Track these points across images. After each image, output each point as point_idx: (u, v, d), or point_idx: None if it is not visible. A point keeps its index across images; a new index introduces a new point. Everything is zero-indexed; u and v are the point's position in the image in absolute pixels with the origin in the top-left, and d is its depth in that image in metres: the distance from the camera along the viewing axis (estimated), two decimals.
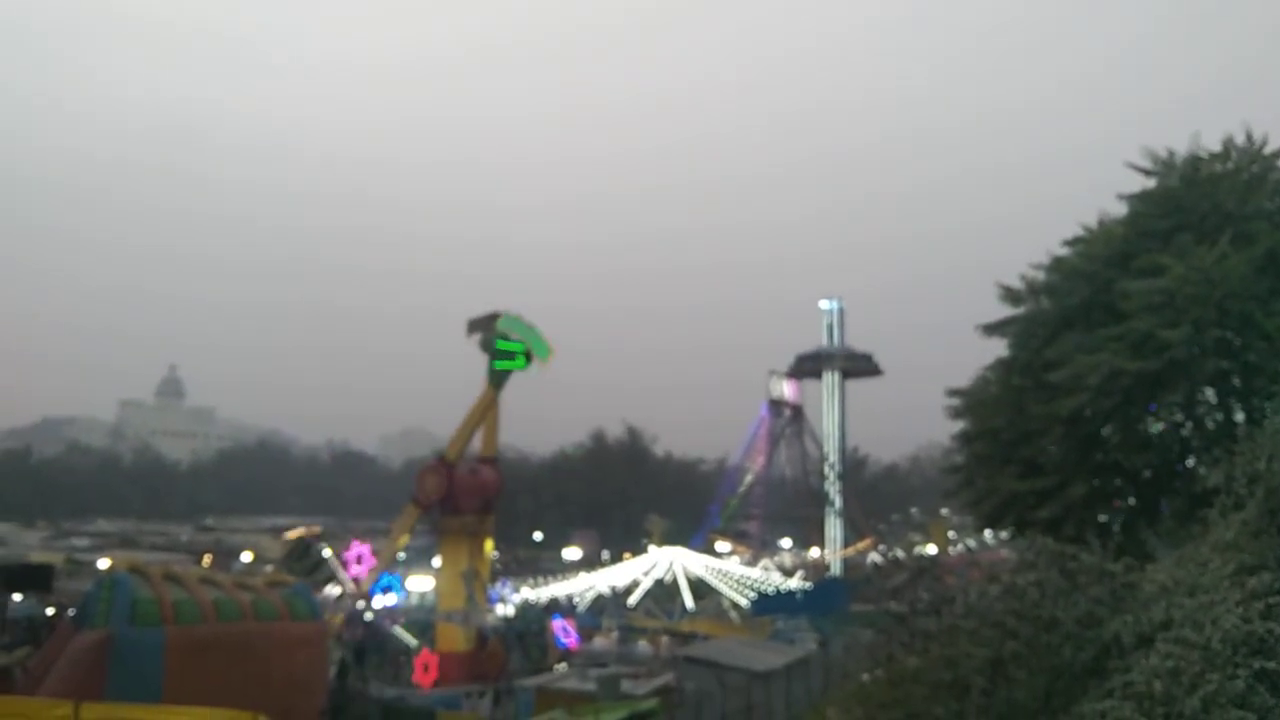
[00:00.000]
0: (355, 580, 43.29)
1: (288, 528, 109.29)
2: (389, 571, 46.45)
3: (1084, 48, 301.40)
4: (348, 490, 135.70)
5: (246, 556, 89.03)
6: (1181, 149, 24.04)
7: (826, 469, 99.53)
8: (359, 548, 44.66)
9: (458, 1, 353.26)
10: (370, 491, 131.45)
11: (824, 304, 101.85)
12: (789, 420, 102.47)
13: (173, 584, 19.66)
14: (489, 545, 44.71)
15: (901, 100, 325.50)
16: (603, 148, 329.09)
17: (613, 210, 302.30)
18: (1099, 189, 26.43)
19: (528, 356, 43.98)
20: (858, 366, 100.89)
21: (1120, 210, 24.73)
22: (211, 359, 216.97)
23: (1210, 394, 22.10)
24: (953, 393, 26.36)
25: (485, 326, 44.58)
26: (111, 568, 30.96)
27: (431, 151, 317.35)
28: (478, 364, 44.72)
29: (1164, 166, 24.19)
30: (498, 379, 44.17)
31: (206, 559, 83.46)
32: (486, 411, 43.67)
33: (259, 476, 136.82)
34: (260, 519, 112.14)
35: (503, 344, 43.51)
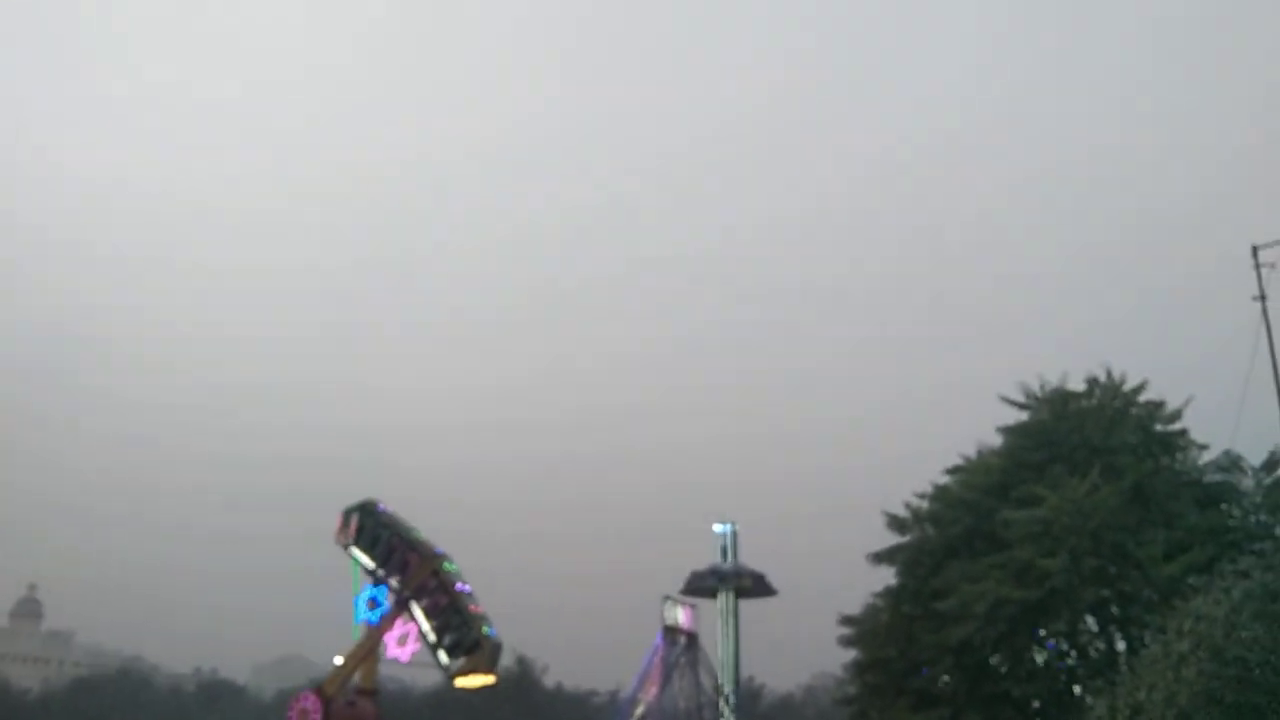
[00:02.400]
0: None
1: None
2: None
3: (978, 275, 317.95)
4: None
5: None
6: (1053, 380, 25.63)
7: (722, 702, 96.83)
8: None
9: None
10: None
11: (717, 528, 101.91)
12: (683, 649, 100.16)
13: None
14: None
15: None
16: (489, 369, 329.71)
17: (501, 433, 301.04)
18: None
19: None
20: (752, 586, 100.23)
21: (997, 441, 25.88)
22: (73, 578, 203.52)
23: (1091, 622, 22.55)
24: (844, 620, 26.35)
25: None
26: None
27: (324, 373, 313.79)
28: None
29: (1035, 400, 25.59)
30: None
31: None
32: (375, 643, 41.12)
33: (115, 708, 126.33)
34: None
35: None
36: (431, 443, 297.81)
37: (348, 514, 41.26)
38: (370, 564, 40.29)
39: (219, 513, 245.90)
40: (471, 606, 39.64)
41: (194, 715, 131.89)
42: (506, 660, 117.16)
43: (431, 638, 39.26)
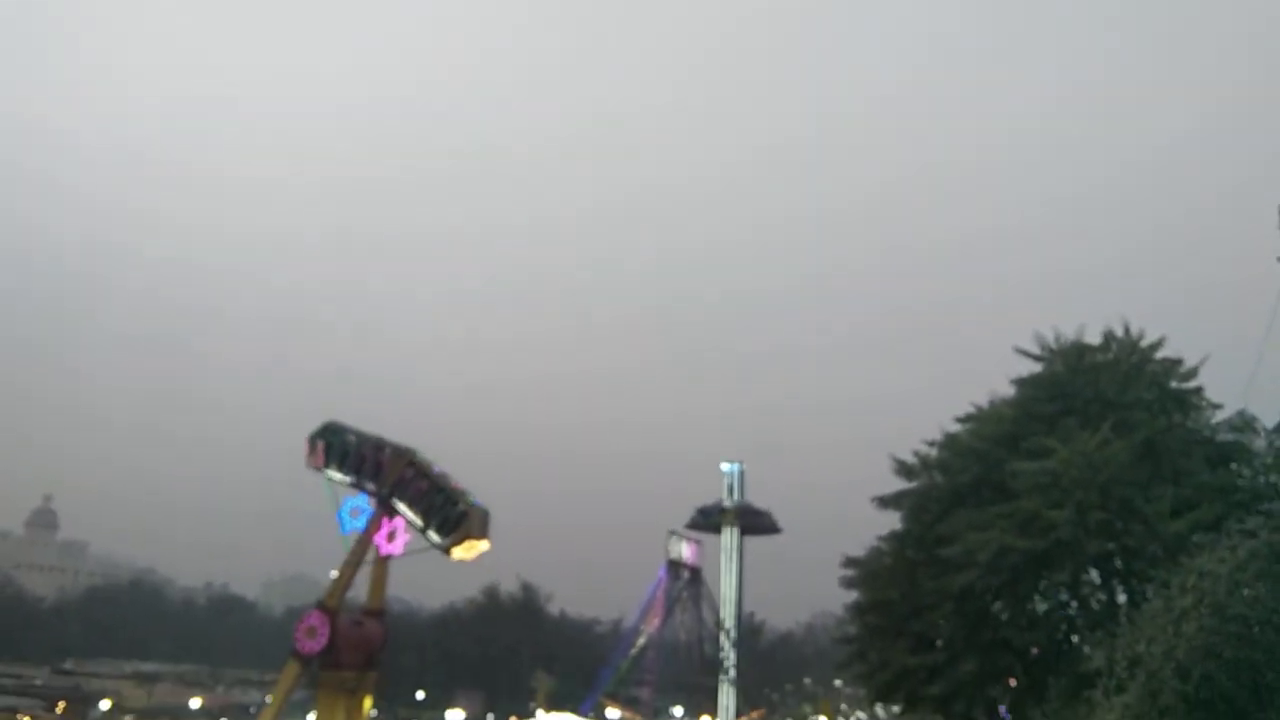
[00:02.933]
0: None
1: (153, 674, 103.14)
2: None
3: (989, 208, 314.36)
4: (223, 637, 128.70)
5: (105, 704, 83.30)
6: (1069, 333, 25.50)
7: (722, 636, 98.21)
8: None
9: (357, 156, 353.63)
10: (247, 639, 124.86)
11: (725, 466, 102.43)
12: (687, 583, 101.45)
13: None
14: (368, 703, 42.52)
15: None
16: (508, 282, 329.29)
17: (516, 355, 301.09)
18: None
19: None
20: (757, 523, 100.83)
21: (1009, 391, 25.82)
22: (89, 489, 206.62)
23: (1094, 575, 22.70)
24: (848, 562, 26.54)
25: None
26: None
27: (331, 275, 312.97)
28: None
29: (1050, 353, 25.46)
30: None
31: (60, 706, 77.85)
32: (366, 547, 42.04)
33: (129, 618, 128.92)
34: (124, 664, 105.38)
35: None
36: (445, 363, 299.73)
37: (313, 440, 42.33)
38: (346, 478, 41.60)
39: (234, 427, 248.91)
40: (452, 484, 40.86)
41: (206, 627, 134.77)
42: (511, 586, 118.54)
43: (419, 523, 40.87)
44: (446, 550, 41.21)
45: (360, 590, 45.00)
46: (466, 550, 41.33)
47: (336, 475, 42.01)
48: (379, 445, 41.67)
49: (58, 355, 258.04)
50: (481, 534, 41.52)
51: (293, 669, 41.58)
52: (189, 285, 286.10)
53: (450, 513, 40.86)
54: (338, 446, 41.97)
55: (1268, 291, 21.13)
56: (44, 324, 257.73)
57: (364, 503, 41.74)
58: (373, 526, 41.36)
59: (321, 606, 41.51)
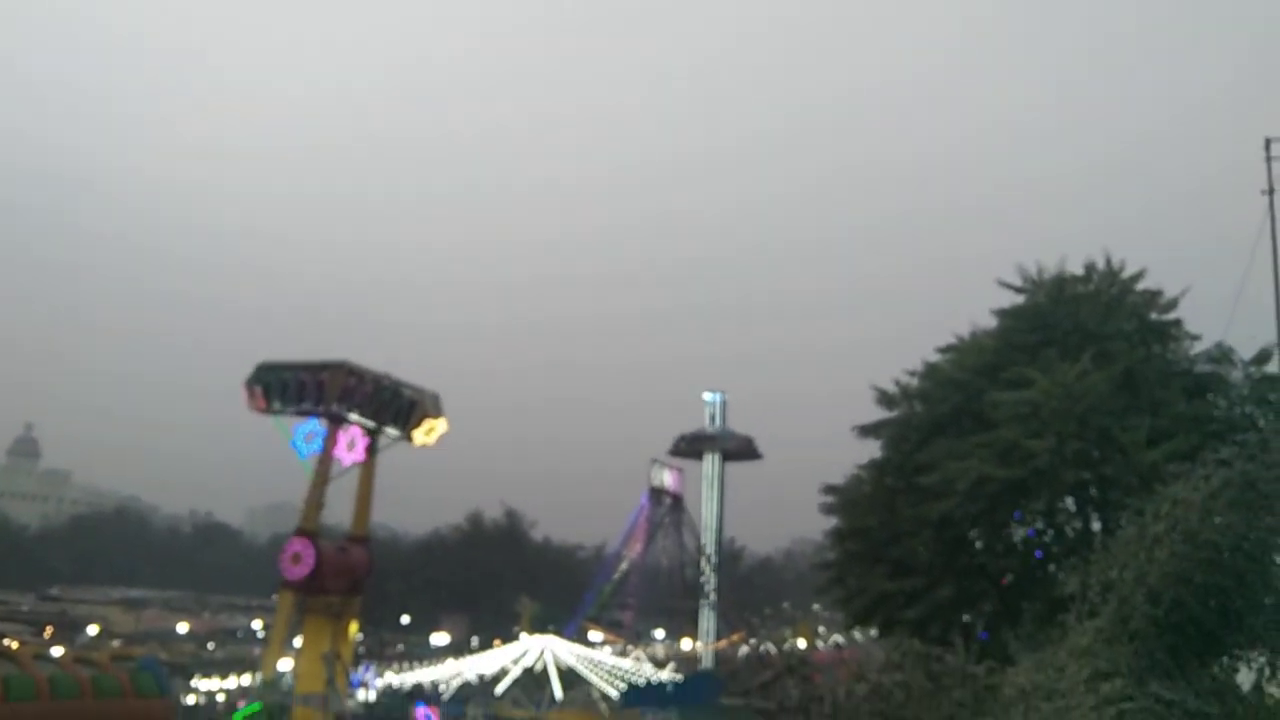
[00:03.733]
0: None
1: (140, 601, 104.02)
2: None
3: (979, 163, 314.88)
4: (209, 564, 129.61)
5: (93, 629, 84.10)
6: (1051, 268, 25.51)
7: (703, 561, 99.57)
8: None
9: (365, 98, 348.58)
10: (232, 566, 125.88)
11: (707, 396, 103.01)
12: (669, 509, 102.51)
13: (3, 660, 18.46)
14: (354, 627, 43.14)
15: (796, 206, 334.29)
16: (490, 231, 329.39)
17: (498, 295, 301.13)
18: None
19: None
20: (738, 449, 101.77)
21: (991, 322, 25.90)
22: (71, 417, 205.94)
23: (1070, 503, 23.00)
24: (827, 489, 26.78)
25: None
26: None
27: (323, 229, 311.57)
28: None
29: (1032, 284, 25.50)
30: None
31: (48, 631, 78.58)
32: (328, 465, 42.52)
33: (114, 545, 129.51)
34: (111, 590, 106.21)
35: None
36: (426, 301, 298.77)
37: (250, 385, 42.91)
38: (291, 407, 42.45)
39: (213, 359, 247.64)
40: (395, 378, 42.75)
41: (192, 555, 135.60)
42: (495, 513, 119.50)
43: (373, 424, 41.67)
44: (407, 437, 42.01)
45: (345, 518, 45.41)
46: (426, 433, 42.09)
47: (282, 411, 42.61)
48: (315, 369, 42.18)
49: (36, 292, 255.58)
50: (437, 413, 42.30)
51: (287, 598, 41.96)
52: (181, 237, 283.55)
53: (400, 404, 41.80)
54: (275, 385, 42.29)
55: (1254, 227, 21.25)
56: (20, 260, 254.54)
57: (315, 425, 42.21)
58: (330, 445, 41.90)
59: (301, 531, 41.88)
